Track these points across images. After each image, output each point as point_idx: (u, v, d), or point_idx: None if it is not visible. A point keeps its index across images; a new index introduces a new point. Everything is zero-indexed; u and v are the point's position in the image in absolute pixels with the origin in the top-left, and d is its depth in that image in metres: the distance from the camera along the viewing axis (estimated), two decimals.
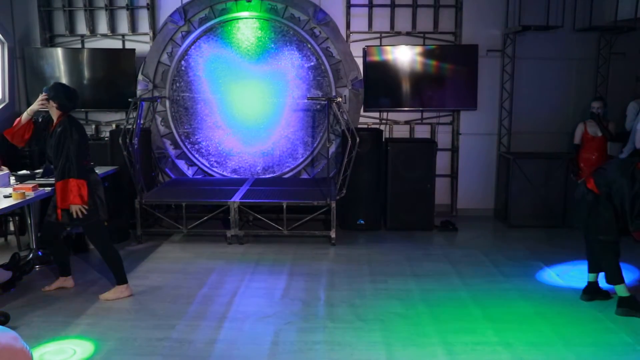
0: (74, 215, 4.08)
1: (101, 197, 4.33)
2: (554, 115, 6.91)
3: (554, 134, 6.84)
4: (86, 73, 6.76)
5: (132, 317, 3.95)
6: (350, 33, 6.81)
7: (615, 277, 4.00)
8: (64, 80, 6.75)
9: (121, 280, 4.34)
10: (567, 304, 4.17)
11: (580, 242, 5.31)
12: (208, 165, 7.07)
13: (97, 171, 5.51)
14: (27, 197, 4.32)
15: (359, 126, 6.81)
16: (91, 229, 4.26)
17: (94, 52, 6.79)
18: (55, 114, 4.15)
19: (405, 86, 6.83)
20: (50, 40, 6.98)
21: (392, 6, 6.76)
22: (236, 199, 5.81)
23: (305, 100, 6.86)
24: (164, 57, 6.84)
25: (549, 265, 5.08)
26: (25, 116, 4.22)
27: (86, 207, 4.10)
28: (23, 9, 6.79)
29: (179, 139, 7.00)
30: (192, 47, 6.85)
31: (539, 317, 3.93)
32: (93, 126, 6.94)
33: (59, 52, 6.78)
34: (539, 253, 5.49)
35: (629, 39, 6.67)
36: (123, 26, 6.90)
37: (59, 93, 4.13)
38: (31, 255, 5.04)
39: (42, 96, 4.13)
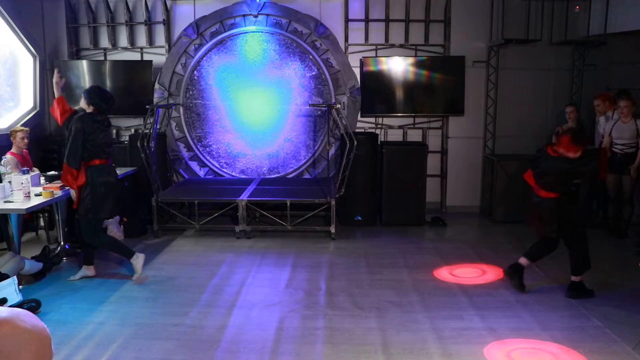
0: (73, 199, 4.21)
1: (110, 198, 4.29)
2: (534, 120, 6.92)
3: (534, 137, 6.86)
4: (108, 82, 6.78)
5: (150, 304, 3.97)
6: (349, 45, 6.82)
7: (582, 269, 4.03)
8: None
9: (88, 261, 4.46)
10: (546, 292, 4.19)
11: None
12: (218, 166, 7.09)
13: (118, 172, 5.57)
14: (55, 196, 4.36)
15: (357, 130, 6.82)
16: (85, 222, 4.27)
17: (116, 63, 6.82)
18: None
19: (399, 94, 6.84)
20: (77, 53, 7.00)
21: (387, 21, 6.77)
22: (244, 197, 5.83)
23: (307, 107, 6.87)
24: (179, 68, 6.86)
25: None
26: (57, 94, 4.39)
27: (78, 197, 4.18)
28: (53, 26, 6.82)
29: (191, 142, 7.02)
30: (204, 58, 6.87)
31: (520, 304, 3.96)
32: (114, 131, 6.95)
33: (84, 64, 6.80)
34: (521, 246, 5.48)
35: (600, 52, 6.68)
36: (141, 40, 6.92)
37: (94, 96, 4.23)
38: (59, 249, 5.07)
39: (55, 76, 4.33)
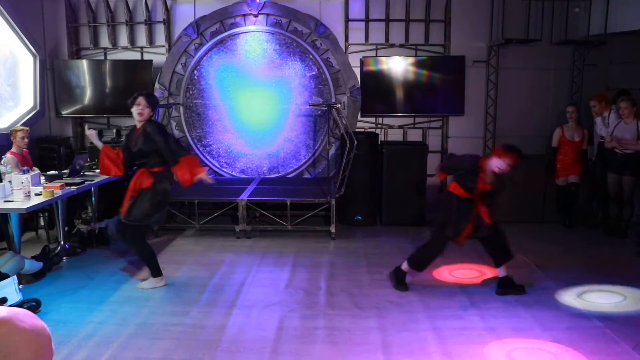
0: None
1: (165, 206, 4.24)
2: (534, 120, 6.92)
3: (534, 137, 6.87)
4: (108, 82, 6.79)
5: (150, 304, 3.97)
6: (349, 45, 6.82)
7: (503, 261, 4.06)
8: (88, 89, 6.79)
9: (157, 273, 4.29)
10: (545, 292, 4.19)
11: (558, 235, 5.35)
12: (218, 166, 7.09)
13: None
14: (55, 195, 4.36)
15: (357, 130, 6.81)
16: (135, 227, 4.15)
17: (116, 63, 6.82)
18: (144, 119, 4.09)
19: (399, 94, 6.84)
20: (77, 53, 7.00)
21: (387, 21, 6.77)
22: (244, 196, 5.83)
23: (307, 107, 6.88)
24: (179, 67, 6.86)
25: (529, 256, 5.08)
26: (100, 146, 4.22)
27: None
28: (53, 25, 6.82)
29: (192, 142, 7.02)
30: (204, 58, 6.87)
31: (520, 304, 3.95)
32: (114, 130, 6.95)
33: (84, 63, 6.80)
34: (521, 246, 5.47)
35: (600, 52, 6.68)
36: (141, 39, 6.92)
37: (155, 101, 4.19)
38: (59, 248, 5.07)
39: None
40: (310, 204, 5.86)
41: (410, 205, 6.33)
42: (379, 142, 6.68)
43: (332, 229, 5.79)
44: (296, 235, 5.88)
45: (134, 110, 4.07)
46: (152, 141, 4.04)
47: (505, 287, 4.11)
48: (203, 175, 4.17)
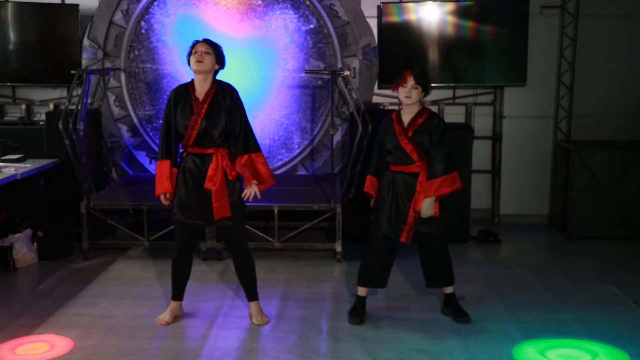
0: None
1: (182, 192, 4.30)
2: (631, 92, 6.90)
3: (631, 116, 6.82)
4: (12, 35, 6.73)
5: (76, 356, 3.92)
6: None
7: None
8: None
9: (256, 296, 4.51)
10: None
11: None
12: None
13: (29, 165, 5.53)
14: None
15: (373, 107, 6.79)
16: (242, 227, 4.51)
17: (23, 7, 6.76)
18: (210, 78, 4.19)
19: (433, 55, 6.83)
20: None
21: None
22: None
23: (303, 74, 6.85)
24: (118, 17, 6.83)
25: (625, 290, 5.05)
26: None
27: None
28: None
29: (138, 124, 6.99)
30: (155, 3, 6.84)
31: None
32: (23, 106, 6.91)
33: None
34: (610, 274, 5.46)
35: None
36: None
37: (222, 52, 4.24)
38: None
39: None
40: (306, 212, 5.85)
41: (448, 211, 6.27)
42: None
43: (338, 248, 5.77)
44: (287, 256, 5.87)
45: (193, 59, 4.15)
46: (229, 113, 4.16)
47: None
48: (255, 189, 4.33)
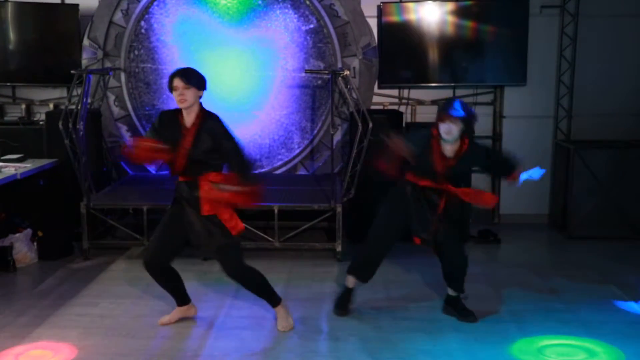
0: None
1: None
2: (631, 92, 6.90)
3: (631, 116, 6.82)
4: (12, 35, 6.73)
5: (79, 356, 3.92)
6: None
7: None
8: None
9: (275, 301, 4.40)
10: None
11: None
12: None
13: (29, 165, 5.53)
14: None
15: (373, 107, 6.81)
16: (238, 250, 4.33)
17: (23, 7, 6.76)
18: (196, 107, 4.09)
19: (433, 55, 6.82)
20: None
21: None
22: None
23: (303, 74, 6.85)
24: (118, 16, 6.83)
25: (625, 289, 5.05)
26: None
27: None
28: None
29: (138, 124, 6.99)
30: (155, 3, 6.83)
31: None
32: (23, 106, 6.91)
33: None
34: (611, 273, 5.46)
35: None
36: None
37: (201, 78, 4.13)
38: None
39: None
40: (306, 212, 5.85)
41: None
42: (404, 124, 6.67)
43: (338, 247, 5.78)
44: (287, 256, 5.88)
45: (175, 96, 4.07)
46: (217, 144, 4.06)
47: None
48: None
